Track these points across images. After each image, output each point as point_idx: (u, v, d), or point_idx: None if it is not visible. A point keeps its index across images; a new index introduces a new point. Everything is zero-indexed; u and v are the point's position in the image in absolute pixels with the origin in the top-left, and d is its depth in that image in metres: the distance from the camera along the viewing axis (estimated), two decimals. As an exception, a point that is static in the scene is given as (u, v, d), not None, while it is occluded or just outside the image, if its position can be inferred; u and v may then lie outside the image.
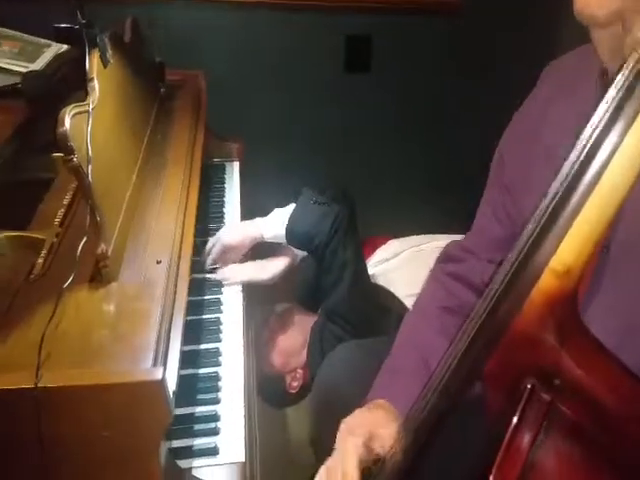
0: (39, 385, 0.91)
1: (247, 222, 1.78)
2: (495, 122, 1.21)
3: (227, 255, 1.69)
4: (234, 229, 1.73)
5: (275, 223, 1.70)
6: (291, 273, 1.80)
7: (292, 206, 1.71)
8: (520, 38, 2.47)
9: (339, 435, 1.04)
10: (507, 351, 0.66)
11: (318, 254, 1.70)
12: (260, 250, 1.77)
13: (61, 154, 1.11)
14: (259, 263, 1.74)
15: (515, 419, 0.63)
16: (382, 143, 2.73)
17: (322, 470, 1.04)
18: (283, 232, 1.67)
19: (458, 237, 1.91)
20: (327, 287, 1.74)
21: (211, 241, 1.71)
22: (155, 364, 0.98)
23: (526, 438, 0.62)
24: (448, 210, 2.33)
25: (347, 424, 1.05)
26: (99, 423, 0.96)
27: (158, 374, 0.95)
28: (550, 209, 0.63)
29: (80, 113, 1.16)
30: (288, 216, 1.67)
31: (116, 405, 0.95)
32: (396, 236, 2.20)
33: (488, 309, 0.67)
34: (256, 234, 1.71)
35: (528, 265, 0.63)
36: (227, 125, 2.25)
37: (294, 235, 1.67)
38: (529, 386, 0.64)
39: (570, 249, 0.61)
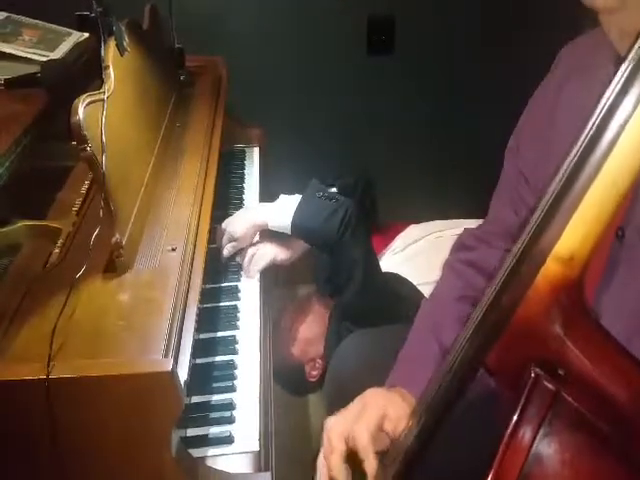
0: (50, 376, 0.92)
1: (251, 210, 1.76)
2: (523, 108, 1.18)
3: (234, 244, 1.67)
4: (239, 218, 1.70)
5: (281, 213, 1.65)
6: (309, 254, 1.78)
7: (298, 197, 1.67)
8: (550, 20, 2.41)
9: (353, 408, 1.03)
10: (511, 339, 0.64)
11: (326, 250, 1.67)
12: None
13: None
14: (278, 243, 1.72)
15: (518, 409, 0.62)
16: (405, 127, 2.70)
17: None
18: (288, 223, 1.63)
19: (477, 222, 1.91)
20: (338, 284, 1.72)
21: (219, 230, 1.70)
22: (166, 354, 0.98)
23: (529, 429, 0.61)
24: (470, 195, 2.30)
25: (362, 401, 1.04)
26: (110, 414, 0.97)
27: (168, 365, 0.95)
28: (557, 191, 0.61)
29: (95, 102, 1.17)
30: (294, 207, 1.63)
31: (127, 396, 0.95)
32: (418, 222, 2.18)
33: (493, 295, 0.66)
34: (261, 222, 1.67)
35: (532, 251, 0.62)
36: (248, 110, 2.25)
37: (300, 230, 1.64)
38: (533, 375, 0.63)
39: (575, 235, 0.59)
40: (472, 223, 1.97)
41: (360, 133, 2.68)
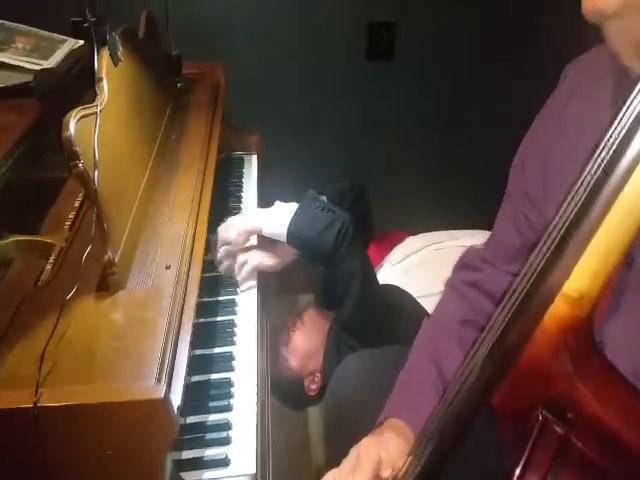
0: (38, 404, 0.89)
1: (246, 215, 1.73)
2: (525, 114, 1.15)
3: (227, 247, 1.65)
4: (233, 223, 1.67)
5: (276, 220, 1.63)
6: (301, 262, 1.75)
7: (294, 205, 1.64)
8: (552, 24, 2.38)
9: (348, 463, 1.00)
10: (517, 381, 0.61)
11: (322, 263, 1.65)
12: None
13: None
14: (264, 249, 1.69)
15: (525, 454, 0.59)
16: (403, 134, 2.67)
17: None
18: (284, 231, 1.60)
19: (479, 233, 1.88)
20: (335, 299, 1.69)
21: (213, 239, 1.67)
22: (159, 380, 0.95)
23: (536, 475, 0.58)
24: (472, 203, 2.28)
25: (356, 454, 1.01)
26: (101, 441, 0.93)
27: (160, 392, 0.92)
28: (565, 226, 0.58)
29: (87, 116, 1.14)
30: (290, 216, 1.61)
31: (118, 423, 0.92)
32: (417, 230, 2.15)
33: (497, 335, 0.62)
34: (255, 227, 1.64)
35: (539, 290, 0.59)
36: (246, 117, 2.22)
37: (295, 240, 1.61)
38: (541, 418, 0.60)
39: (585, 274, 0.56)
40: (473, 234, 1.96)
41: (360, 140, 2.65)
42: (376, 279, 1.75)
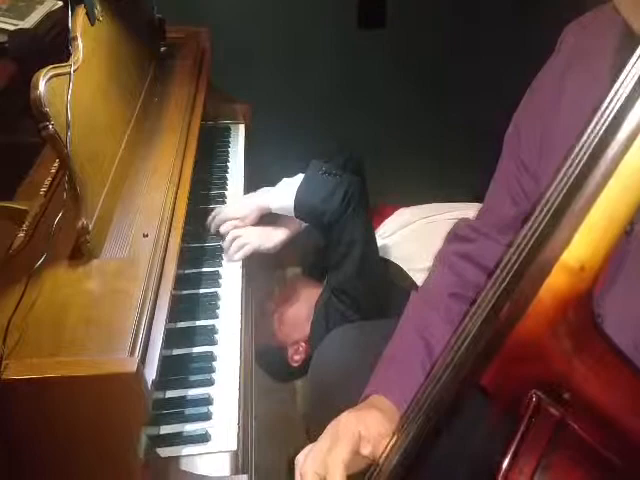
0: (3, 377, 0.84)
1: (253, 193, 1.72)
2: (523, 84, 1.10)
3: (235, 222, 1.64)
4: (240, 201, 1.68)
5: (283, 195, 1.62)
6: (297, 239, 1.72)
7: (300, 177, 1.63)
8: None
9: (325, 439, 0.95)
10: (509, 359, 0.57)
11: (326, 229, 1.62)
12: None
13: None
14: (263, 231, 1.67)
15: (516, 438, 0.55)
16: (396, 104, 2.61)
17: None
18: (291, 204, 1.59)
19: (472, 205, 1.83)
20: (333, 262, 1.66)
21: (214, 213, 1.66)
22: (132, 352, 0.90)
23: (529, 460, 0.54)
24: (466, 176, 2.22)
25: (335, 429, 0.96)
26: (70, 417, 0.89)
27: (132, 366, 0.87)
28: (564, 191, 0.53)
29: (60, 75, 1.08)
30: (296, 187, 1.59)
31: (88, 398, 0.88)
32: (409, 204, 2.10)
33: (488, 310, 0.58)
34: (264, 204, 1.64)
35: (535, 259, 0.54)
36: (233, 85, 2.16)
37: (303, 210, 1.60)
38: (534, 399, 0.55)
39: (587, 241, 0.52)
40: (465, 207, 1.91)
41: (350, 111, 2.59)
42: (377, 248, 1.74)
